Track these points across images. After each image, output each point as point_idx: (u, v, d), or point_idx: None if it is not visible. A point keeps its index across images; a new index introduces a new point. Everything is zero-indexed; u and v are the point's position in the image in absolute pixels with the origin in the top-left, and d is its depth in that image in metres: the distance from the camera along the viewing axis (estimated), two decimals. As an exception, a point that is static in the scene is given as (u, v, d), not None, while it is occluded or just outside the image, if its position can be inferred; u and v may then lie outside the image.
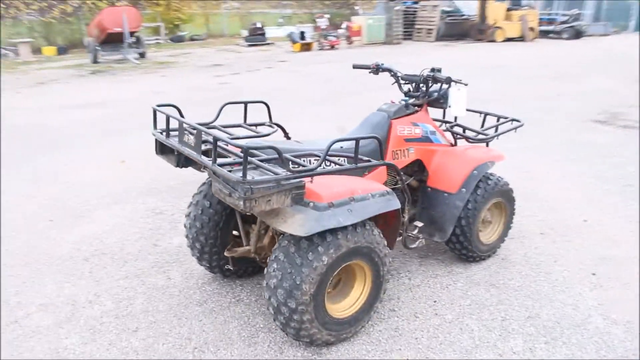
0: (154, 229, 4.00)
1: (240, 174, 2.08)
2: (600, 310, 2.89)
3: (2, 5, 18.62)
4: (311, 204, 2.31)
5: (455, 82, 3.12)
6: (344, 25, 21.57)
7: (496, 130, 3.56)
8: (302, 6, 29.99)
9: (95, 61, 15.57)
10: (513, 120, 3.56)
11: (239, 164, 2.22)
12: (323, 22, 20.42)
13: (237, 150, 2.34)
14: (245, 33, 22.30)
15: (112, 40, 15.56)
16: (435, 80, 3.15)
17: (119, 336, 2.68)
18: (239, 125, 3.06)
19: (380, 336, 2.67)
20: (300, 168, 2.34)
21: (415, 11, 23.55)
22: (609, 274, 3.28)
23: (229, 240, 3.03)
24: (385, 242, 2.62)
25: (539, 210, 4.29)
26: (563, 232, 3.89)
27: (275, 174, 2.19)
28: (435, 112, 3.46)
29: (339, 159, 2.64)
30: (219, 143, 2.30)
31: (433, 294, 3.07)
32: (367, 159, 2.62)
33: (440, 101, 3.28)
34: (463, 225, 3.20)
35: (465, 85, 3.13)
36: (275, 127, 3.10)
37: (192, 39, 23.97)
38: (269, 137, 2.96)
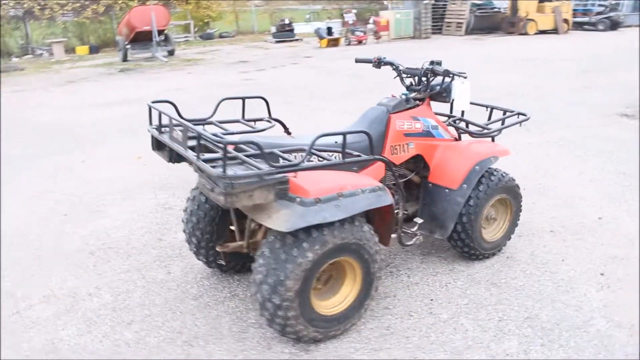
0: (161, 224, 4.05)
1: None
2: (604, 312, 2.76)
3: (37, 7, 19.23)
4: (298, 200, 2.30)
5: (454, 74, 3.04)
6: (371, 20, 21.34)
7: (502, 124, 3.46)
8: (331, 2, 29.89)
9: (125, 59, 15.92)
10: (519, 114, 3.44)
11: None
12: (350, 17, 20.25)
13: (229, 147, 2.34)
14: (274, 30, 22.38)
15: (141, 39, 15.85)
16: (434, 73, 3.08)
17: (114, 328, 2.72)
18: (236, 121, 3.07)
19: (370, 334, 2.62)
20: (284, 163, 2.33)
21: (444, 5, 23.13)
22: (618, 275, 3.13)
23: (226, 236, 3.04)
24: (377, 239, 2.58)
25: (552, 207, 4.14)
26: (575, 230, 3.74)
27: (259, 169, 2.19)
28: (442, 107, 3.37)
29: (331, 155, 2.60)
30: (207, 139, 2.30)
31: (431, 292, 3.00)
32: (357, 154, 2.57)
33: (443, 95, 3.21)
34: (464, 222, 3.11)
35: (465, 77, 3.05)
36: (274, 122, 3.09)
37: (221, 36, 24.20)
38: (265, 132, 2.96)
